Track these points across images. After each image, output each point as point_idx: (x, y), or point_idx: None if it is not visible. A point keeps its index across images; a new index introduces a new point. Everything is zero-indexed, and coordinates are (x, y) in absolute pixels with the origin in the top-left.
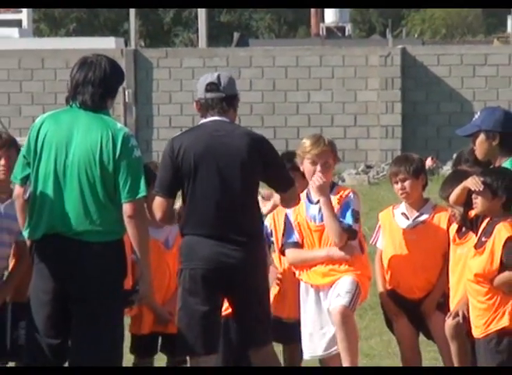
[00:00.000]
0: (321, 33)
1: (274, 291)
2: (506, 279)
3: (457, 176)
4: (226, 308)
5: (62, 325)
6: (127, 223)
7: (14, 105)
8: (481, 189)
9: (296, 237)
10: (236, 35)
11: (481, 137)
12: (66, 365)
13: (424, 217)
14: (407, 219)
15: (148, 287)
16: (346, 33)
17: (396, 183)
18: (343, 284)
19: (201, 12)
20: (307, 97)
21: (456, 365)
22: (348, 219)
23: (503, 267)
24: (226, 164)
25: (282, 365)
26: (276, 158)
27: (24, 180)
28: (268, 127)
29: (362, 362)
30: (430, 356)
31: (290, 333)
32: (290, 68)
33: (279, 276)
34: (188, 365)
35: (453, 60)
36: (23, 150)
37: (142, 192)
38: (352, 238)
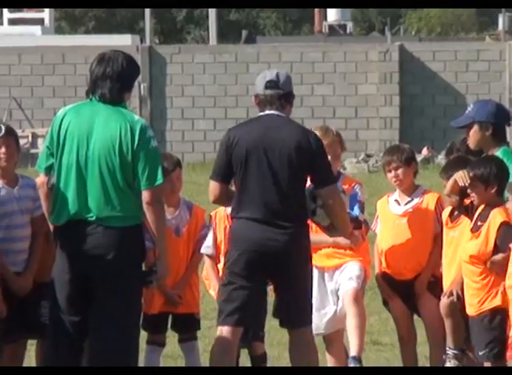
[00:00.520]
0: (323, 30)
1: None
2: (498, 261)
3: (459, 162)
4: None
5: (84, 303)
6: (146, 209)
7: (37, 98)
8: (467, 184)
9: None
10: (244, 33)
11: (475, 127)
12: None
13: (414, 202)
14: (399, 205)
15: (165, 268)
16: (348, 31)
17: (390, 171)
18: (353, 269)
19: (212, 11)
20: (310, 90)
21: (450, 341)
22: (355, 211)
23: (496, 250)
24: (276, 154)
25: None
26: (322, 154)
27: (48, 170)
28: None
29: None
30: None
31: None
32: (295, 63)
33: None
34: (199, 341)
35: (447, 56)
36: (47, 141)
37: (159, 180)
38: (359, 228)
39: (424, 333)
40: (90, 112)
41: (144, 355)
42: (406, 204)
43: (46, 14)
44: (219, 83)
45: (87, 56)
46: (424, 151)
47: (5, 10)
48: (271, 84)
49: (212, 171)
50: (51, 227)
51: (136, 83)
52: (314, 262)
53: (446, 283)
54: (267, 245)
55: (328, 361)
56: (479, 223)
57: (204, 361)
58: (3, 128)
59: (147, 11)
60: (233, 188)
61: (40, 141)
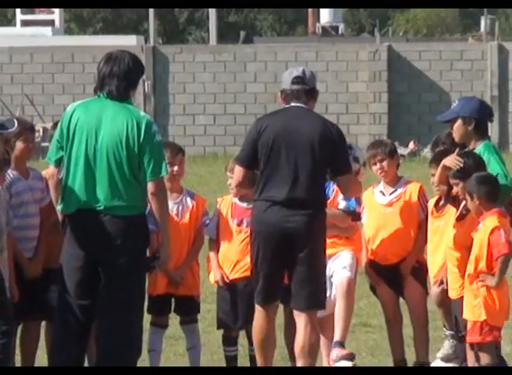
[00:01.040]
0: (317, 31)
1: None
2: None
3: (446, 154)
4: (246, 269)
5: (91, 287)
6: (151, 199)
7: (47, 95)
8: (459, 167)
9: None
10: (242, 33)
11: (459, 122)
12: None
13: (398, 192)
14: (384, 195)
15: (168, 255)
16: (339, 32)
17: (375, 164)
18: (346, 258)
19: (212, 13)
20: None
21: (445, 324)
22: (352, 203)
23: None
24: (299, 143)
25: (283, 324)
26: (342, 143)
27: (58, 162)
28: None
29: (352, 322)
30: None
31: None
32: (290, 62)
33: None
34: (199, 322)
35: (432, 56)
36: (56, 135)
37: (163, 172)
38: (357, 220)
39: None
40: (98, 108)
41: (148, 336)
42: (390, 194)
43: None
44: (219, 81)
45: (94, 56)
46: (411, 145)
47: (18, 12)
48: (297, 80)
49: (238, 157)
50: (60, 216)
51: (140, 81)
52: None
53: (432, 270)
54: (283, 227)
55: (321, 342)
56: (464, 212)
57: (204, 341)
58: (16, 122)
59: (151, 13)
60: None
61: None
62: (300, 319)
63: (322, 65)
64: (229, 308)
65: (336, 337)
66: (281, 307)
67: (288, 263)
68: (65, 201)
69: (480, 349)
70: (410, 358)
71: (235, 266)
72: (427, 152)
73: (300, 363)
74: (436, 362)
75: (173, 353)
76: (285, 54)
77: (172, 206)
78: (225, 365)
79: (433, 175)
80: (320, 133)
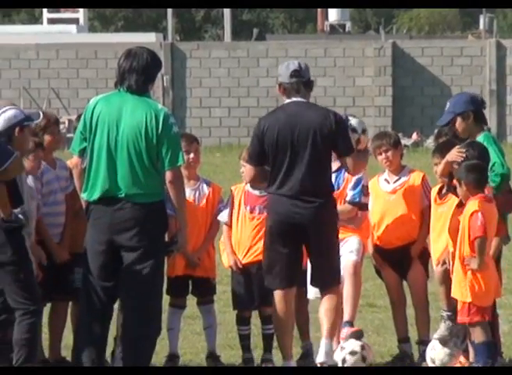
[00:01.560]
0: (325, 29)
1: None
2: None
3: (449, 144)
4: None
5: (114, 270)
6: (169, 186)
7: (72, 89)
8: (463, 158)
9: None
10: (255, 31)
11: (459, 120)
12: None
13: (402, 180)
14: (388, 183)
15: (185, 239)
16: (347, 30)
17: (380, 154)
18: (353, 243)
19: (227, 12)
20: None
21: (444, 304)
22: (359, 195)
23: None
24: (302, 137)
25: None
26: (342, 128)
27: (81, 152)
28: None
29: (359, 302)
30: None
31: (300, 278)
32: (300, 58)
33: None
34: (215, 303)
35: (434, 52)
36: (80, 126)
37: (180, 161)
38: (364, 210)
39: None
40: (119, 101)
41: (167, 316)
42: (395, 182)
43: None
44: (233, 75)
45: (116, 52)
46: (414, 136)
47: (44, 11)
48: (295, 73)
49: (248, 156)
50: (84, 203)
51: (159, 76)
52: None
53: (434, 253)
54: (294, 217)
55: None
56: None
57: (219, 321)
58: (41, 114)
59: (170, 12)
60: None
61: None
62: (323, 295)
63: (330, 61)
64: (243, 291)
65: (346, 317)
66: None
67: (302, 250)
68: (88, 190)
69: (473, 327)
70: (413, 337)
71: (248, 250)
72: (429, 143)
73: (325, 319)
74: (433, 344)
75: (191, 332)
76: (295, 50)
77: (190, 193)
78: (239, 342)
79: (436, 164)
80: (320, 124)
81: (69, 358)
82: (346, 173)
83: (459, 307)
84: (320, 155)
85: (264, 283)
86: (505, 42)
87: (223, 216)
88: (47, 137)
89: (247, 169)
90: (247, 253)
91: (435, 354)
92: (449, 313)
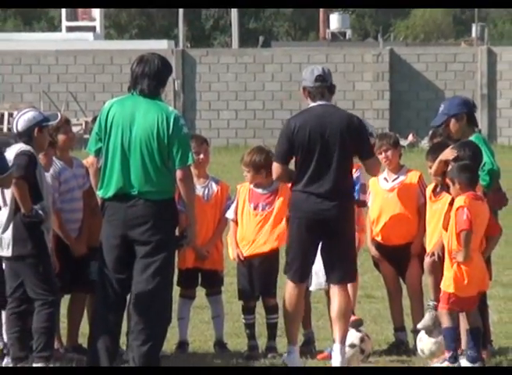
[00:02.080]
0: (327, 37)
1: None
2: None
3: (440, 146)
4: (253, 248)
5: (127, 263)
6: (179, 184)
7: (89, 93)
8: (455, 156)
9: None
10: (261, 38)
11: (453, 121)
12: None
13: (400, 179)
14: (387, 181)
15: (194, 233)
16: (347, 37)
17: (380, 153)
18: None
19: (234, 21)
20: None
21: (431, 294)
22: (358, 193)
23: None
24: (329, 138)
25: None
26: (365, 132)
27: (97, 152)
28: (286, 110)
29: (358, 293)
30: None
31: None
32: (303, 64)
33: None
34: (223, 294)
35: (429, 58)
36: (96, 128)
37: (190, 161)
38: (362, 206)
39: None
40: (132, 104)
41: (177, 306)
42: (393, 180)
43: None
44: (240, 80)
45: (130, 58)
46: (410, 137)
47: (63, 19)
48: (320, 78)
49: (275, 155)
50: (99, 200)
51: (170, 80)
52: None
53: (429, 248)
54: (318, 214)
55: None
56: None
57: (227, 311)
58: (59, 116)
59: (181, 20)
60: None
61: None
62: (334, 291)
63: (331, 66)
64: (247, 282)
65: None
66: None
67: (322, 246)
68: (104, 187)
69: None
70: (408, 326)
71: (251, 244)
72: (424, 144)
73: (337, 325)
74: (420, 335)
75: (199, 321)
76: (299, 56)
77: (199, 190)
78: (244, 331)
79: (430, 167)
80: (347, 127)
81: (85, 345)
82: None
83: (441, 295)
84: (346, 156)
85: (284, 272)
86: (495, 49)
87: (230, 213)
88: (60, 137)
89: (274, 167)
90: (250, 246)
91: (423, 344)
92: (435, 303)
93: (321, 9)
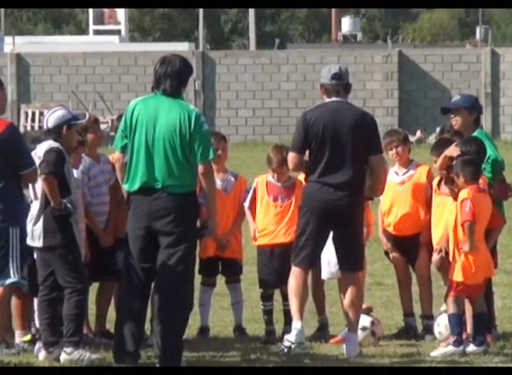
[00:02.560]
0: (339, 39)
1: None
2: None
3: (444, 142)
4: (264, 235)
5: (151, 253)
6: (201, 178)
7: (115, 92)
8: (459, 153)
9: None
10: (276, 41)
11: (465, 112)
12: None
13: (410, 173)
14: (398, 175)
15: (215, 224)
16: (358, 39)
17: (391, 149)
18: None
19: (251, 24)
20: None
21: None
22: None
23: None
24: (342, 132)
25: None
26: (375, 129)
27: (123, 148)
28: (300, 108)
29: (368, 281)
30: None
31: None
32: (316, 65)
33: None
34: (242, 282)
35: (436, 59)
36: (121, 126)
37: (210, 155)
38: (369, 199)
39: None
40: (156, 103)
41: (199, 294)
42: (403, 174)
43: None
44: (257, 80)
45: (153, 59)
46: (418, 133)
47: (90, 23)
48: (336, 76)
49: (292, 145)
50: (125, 194)
51: (191, 80)
52: None
53: (435, 237)
54: (330, 204)
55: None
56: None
57: (245, 297)
58: (87, 115)
59: (201, 23)
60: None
61: None
62: (347, 279)
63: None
64: (267, 271)
65: None
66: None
67: (333, 235)
68: (129, 182)
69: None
70: (417, 312)
71: (272, 234)
72: (432, 140)
73: (350, 313)
74: (442, 316)
75: (220, 307)
76: (312, 58)
77: (219, 184)
78: (262, 317)
79: (435, 161)
80: (359, 123)
81: (112, 331)
82: None
83: (449, 284)
84: (358, 150)
85: (291, 260)
86: (498, 50)
87: (247, 202)
88: (89, 136)
89: (290, 157)
90: (271, 236)
91: (441, 328)
92: None
93: (333, 13)
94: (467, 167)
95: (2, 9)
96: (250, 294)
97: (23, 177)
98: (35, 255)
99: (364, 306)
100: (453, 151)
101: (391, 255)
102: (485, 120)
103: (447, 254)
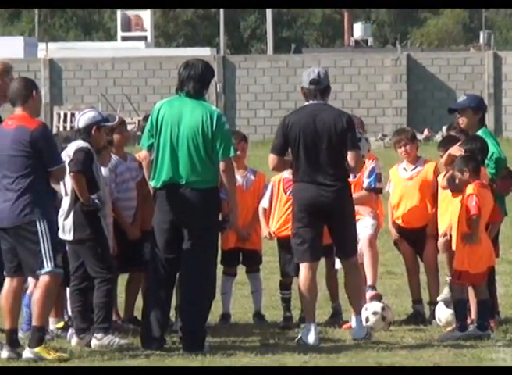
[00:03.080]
0: (351, 44)
1: None
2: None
3: (450, 139)
4: (285, 229)
5: (176, 245)
6: (222, 174)
7: (141, 95)
8: (462, 153)
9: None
10: (293, 46)
11: (470, 112)
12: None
13: (418, 169)
14: (406, 171)
15: (236, 218)
16: (369, 44)
17: (400, 147)
18: (369, 220)
19: (269, 30)
20: (341, 88)
21: (449, 271)
22: (374, 181)
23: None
24: (320, 132)
25: (324, 273)
26: (351, 128)
27: (149, 147)
28: None
29: (379, 270)
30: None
31: (330, 251)
32: (330, 68)
33: None
34: (261, 271)
35: (442, 62)
36: (148, 126)
37: (231, 153)
38: (379, 193)
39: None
40: (180, 104)
41: (221, 282)
42: (411, 170)
43: (148, 33)
44: (275, 83)
45: (177, 64)
46: (425, 132)
47: (118, 30)
48: (313, 81)
49: (271, 147)
50: (151, 190)
51: (213, 83)
52: None
53: (441, 227)
54: (319, 200)
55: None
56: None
57: (264, 286)
58: (117, 117)
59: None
60: (288, 158)
61: None
62: (346, 266)
63: (355, 70)
64: (288, 262)
65: (369, 282)
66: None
67: (327, 228)
68: (155, 178)
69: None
70: (425, 298)
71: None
72: (438, 138)
73: (351, 299)
74: (439, 306)
75: (240, 295)
76: (326, 61)
77: (239, 180)
78: (281, 304)
79: (441, 156)
80: (334, 122)
81: (140, 318)
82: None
83: (454, 272)
84: (335, 148)
85: (294, 259)
86: (501, 53)
87: (265, 202)
88: (116, 136)
89: (270, 159)
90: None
91: (441, 314)
92: (451, 278)
93: (345, 19)
94: (471, 163)
95: (36, 17)
96: (269, 283)
97: (51, 174)
98: (67, 248)
99: (373, 293)
100: (456, 150)
101: (400, 246)
102: (489, 119)
103: (451, 238)
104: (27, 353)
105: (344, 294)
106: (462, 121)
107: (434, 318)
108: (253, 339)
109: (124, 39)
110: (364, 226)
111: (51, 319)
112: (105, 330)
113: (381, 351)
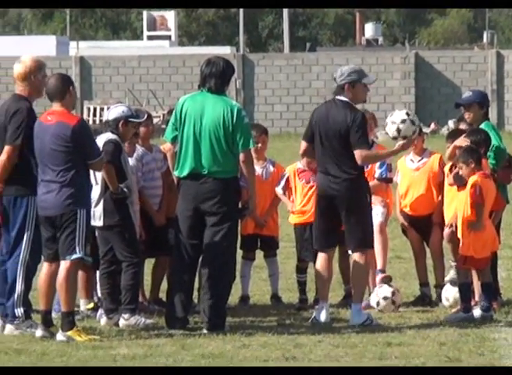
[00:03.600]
0: (362, 43)
1: None
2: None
3: (457, 132)
4: (301, 216)
5: (199, 231)
6: (242, 165)
7: (166, 90)
8: (468, 144)
9: None
10: (308, 44)
11: (476, 107)
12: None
13: (424, 160)
14: (413, 162)
15: (254, 205)
16: (379, 43)
17: None
18: (379, 208)
19: (286, 30)
20: None
21: (452, 256)
22: (386, 171)
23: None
24: (331, 127)
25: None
26: (360, 126)
27: (173, 139)
28: None
29: (389, 255)
30: None
31: (343, 239)
32: (343, 65)
33: None
34: (278, 256)
35: (448, 60)
36: (172, 119)
37: (250, 145)
38: (389, 183)
39: None
40: (202, 99)
41: (240, 266)
42: (418, 161)
43: (172, 32)
44: (291, 79)
45: (199, 61)
46: (432, 125)
47: (144, 29)
48: (334, 79)
49: (303, 134)
50: (175, 179)
51: (233, 80)
52: None
53: (447, 216)
54: (328, 191)
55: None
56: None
57: (281, 270)
58: (146, 114)
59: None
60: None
61: None
62: (352, 256)
63: (366, 67)
64: (304, 247)
65: (379, 266)
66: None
67: (340, 217)
68: (179, 168)
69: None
70: (432, 281)
71: (307, 213)
72: (444, 131)
73: (353, 287)
74: (446, 286)
75: (258, 278)
76: (339, 59)
77: (259, 170)
78: (297, 287)
79: (448, 147)
80: (344, 119)
81: (164, 299)
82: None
83: (459, 257)
84: (344, 141)
85: (313, 246)
86: (503, 52)
87: (279, 189)
88: (142, 129)
89: (301, 144)
90: (307, 216)
91: (449, 293)
92: (456, 263)
93: (357, 20)
94: (475, 154)
95: (68, 18)
96: (285, 267)
97: (90, 166)
98: (96, 233)
99: (383, 275)
100: (462, 141)
101: (408, 233)
102: (491, 114)
103: (457, 228)
104: (60, 336)
105: None
106: (468, 115)
107: (440, 300)
108: (270, 319)
109: (150, 38)
110: (375, 213)
111: (82, 301)
112: (132, 310)
113: (390, 331)
